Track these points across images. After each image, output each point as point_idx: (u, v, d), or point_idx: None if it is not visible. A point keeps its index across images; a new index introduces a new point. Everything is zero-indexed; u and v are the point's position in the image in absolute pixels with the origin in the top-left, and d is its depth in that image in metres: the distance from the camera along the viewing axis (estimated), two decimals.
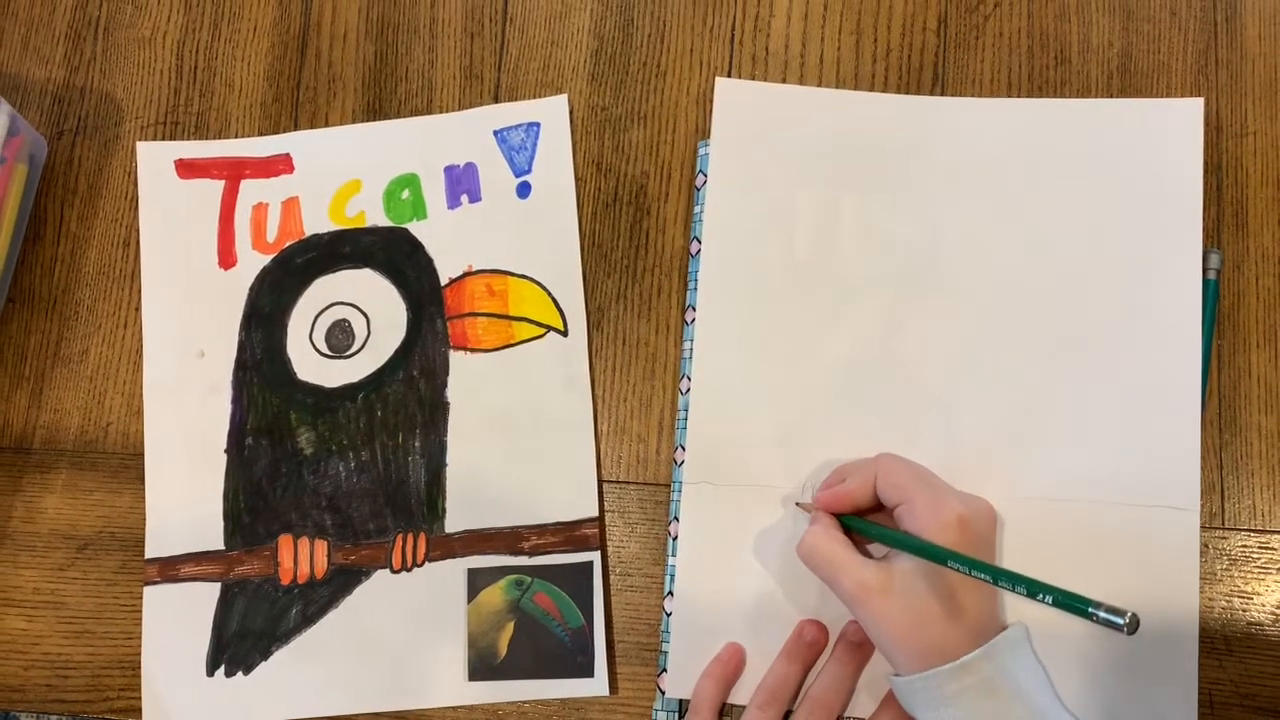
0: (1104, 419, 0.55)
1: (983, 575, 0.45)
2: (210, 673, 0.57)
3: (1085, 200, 0.57)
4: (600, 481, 0.58)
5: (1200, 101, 0.57)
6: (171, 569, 0.58)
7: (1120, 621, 0.41)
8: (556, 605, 0.56)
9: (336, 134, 0.63)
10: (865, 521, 0.52)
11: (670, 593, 0.55)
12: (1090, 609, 0.42)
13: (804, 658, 0.53)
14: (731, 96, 0.60)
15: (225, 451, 0.59)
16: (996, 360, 0.56)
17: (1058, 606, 0.43)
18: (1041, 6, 0.61)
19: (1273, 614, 0.54)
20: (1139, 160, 0.57)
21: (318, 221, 0.62)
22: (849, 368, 0.56)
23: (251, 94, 0.64)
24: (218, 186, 0.62)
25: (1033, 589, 0.44)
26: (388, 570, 0.57)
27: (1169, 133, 0.57)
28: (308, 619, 0.57)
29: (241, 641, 0.57)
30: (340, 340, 0.60)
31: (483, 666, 0.56)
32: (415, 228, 0.61)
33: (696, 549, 0.55)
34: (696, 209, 0.59)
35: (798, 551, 0.52)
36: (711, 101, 0.60)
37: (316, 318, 0.60)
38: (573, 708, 0.56)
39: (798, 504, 0.55)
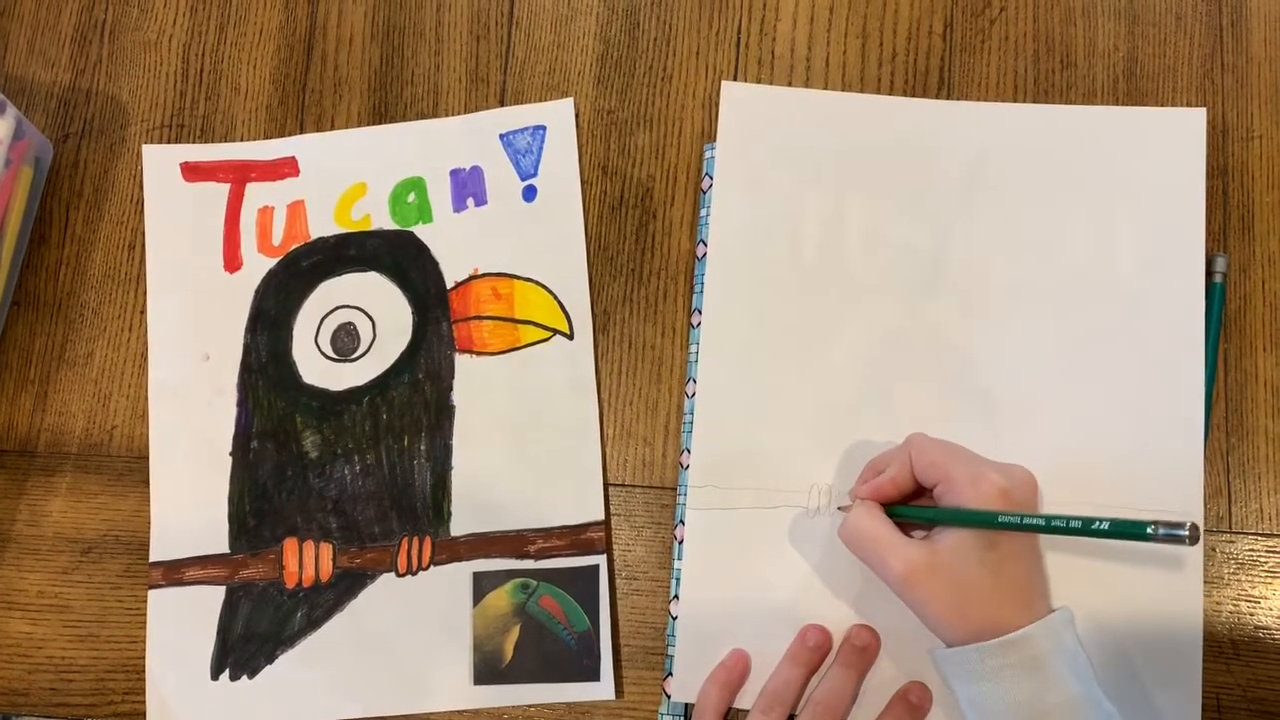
0: (1107, 423, 0.55)
1: (1034, 522, 0.46)
2: (215, 676, 0.57)
3: (1089, 205, 0.57)
4: (606, 485, 0.57)
5: (1203, 111, 0.57)
6: (176, 572, 0.58)
7: (1182, 534, 0.42)
8: (562, 609, 0.56)
9: (342, 137, 0.63)
10: (907, 506, 0.52)
11: (676, 596, 0.55)
12: (1148, 529, 0.42)
13: (807, 662, 0.53)
14: (737, 100, 0.60)
15: (230, 455, 0.59)
16: (1001, 364, 0.56)
17: (1115, 536, 0.44)
18: (1047, 11, 0.61)
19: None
20: (1142, 168, 0.57)
21: (323, 225, 0.62)
22: (854, 371, 0.56)
23: (257, 97, 0.64)
24: (223, 189, 0.62)
25: (1087, 524, 0.44)
26: (393, 574, 0.57)
27: (1172, 141, 0.57)
28: (313, 622, 0.57)
29: (246, 645, 0.57)
30: (346, 343, 0.60)
31: (488, 670, 0.56)
32: (421, 231, 0.61)
33: (702, 552, 0.55)
34: (703, 212, 0.59)
35: (839, 534, 0.52)
36: (717, 105, 0.60)
37: (322, 321, 0.60)
38: (579, 712, 0.55)
39: (839, 508, 0.54)
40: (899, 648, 0.53)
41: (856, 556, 0.51)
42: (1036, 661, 0.46)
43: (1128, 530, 0.44)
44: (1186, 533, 0.42)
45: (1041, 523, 0.46)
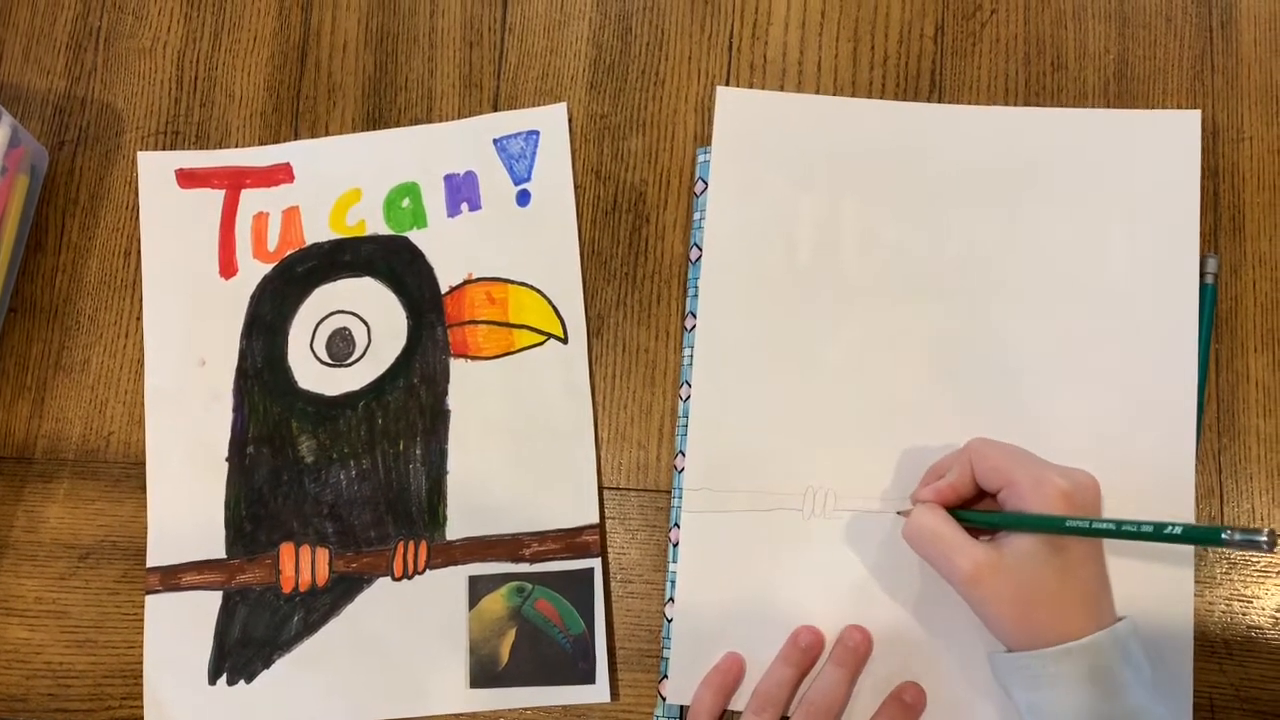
0: (1101, 423, 0.55)
1: (1103, 526, 0.45)
2: (212, 681, 0.57)
3: (1083, 208, 0.57)
4: (601, 488, 0.58)
5: (1198, 113, 0.58)
6: (173, 578, 0.58)
7: (1260, 539, 0.41)
8: (558, 612, 0.56)
9: (336, 143, 0.63)
10: (971, 510, 0.51)
11: (671, 599, 0.55)
12: (1223, 534, 0.42)
13: (799, 663, 0.53)
14: (732, 104, 0.60)
15: (226, 460, 0.59)
16: (995, 366, 0.56)
17: (1188, 541, 0.43)
18: (1038, 13, 0.61)
19: (1272, 618, 0.54)
20: (1137, 170, 0.57)
21: (318, 230, 0.62)
22: (848, 374, 0.57)
23: (252, 104, 0.64)
24: (218, 196, 0.63)
25: (1159, 529, 0.44)
26: (389, 578, 0.57)
27: (1167, 143, 0.57)
28: (309, 627, 0.57)
29: (243, 650, 0.57)
30: (341, 348, 0.60)
31: (484, 674, 0.56)
32: (415, 236, 0.61)
33: (697, 555, 0.55)
34: (696, 216, 0.59)
35: (904, 534, 0.51)
36: (710, 109, 0.60)
37: (317, 326, 0.60)
38: (574, 715, 0.56)
39: (899, 512, 0.54)
40: (893, 649, 0.53)
41: (921, 556, 0.51)
42: (1100, 671, 0.45)
43: (1201, 536, 0.43)
44: (1265, 538, 0.41)
45: (1111, 527, 0.45)
